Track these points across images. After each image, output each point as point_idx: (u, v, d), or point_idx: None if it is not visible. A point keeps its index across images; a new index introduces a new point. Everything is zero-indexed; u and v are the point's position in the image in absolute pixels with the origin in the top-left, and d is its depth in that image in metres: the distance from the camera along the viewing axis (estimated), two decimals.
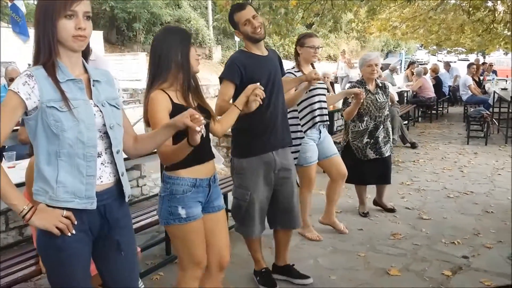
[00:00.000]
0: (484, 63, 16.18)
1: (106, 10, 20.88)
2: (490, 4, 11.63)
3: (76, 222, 1.61)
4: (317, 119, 3.64)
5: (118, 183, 1.73)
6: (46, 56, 1.58)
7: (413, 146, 7.74)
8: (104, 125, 1.65)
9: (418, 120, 11.00)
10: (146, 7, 20.95)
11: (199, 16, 23.99)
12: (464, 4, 11.24)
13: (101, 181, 1.67)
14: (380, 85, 4.27)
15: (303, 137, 3.60)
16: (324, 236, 3.97)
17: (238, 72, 2.73)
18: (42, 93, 1.54)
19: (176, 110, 2.01)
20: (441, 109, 11.94)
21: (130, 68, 18.29)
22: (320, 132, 3.72)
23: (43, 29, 1.57)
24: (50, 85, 1.55)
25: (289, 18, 8.70)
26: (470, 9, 11.07)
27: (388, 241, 3.86)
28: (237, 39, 20.99)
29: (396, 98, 8.27)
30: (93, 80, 1.68)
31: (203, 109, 2.19)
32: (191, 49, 2.14)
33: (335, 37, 29.74)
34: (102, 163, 1.67)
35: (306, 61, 3.65)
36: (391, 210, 4.55)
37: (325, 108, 3.73)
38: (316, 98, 3.63)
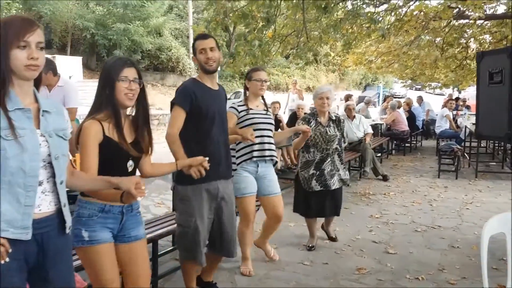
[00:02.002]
0: (458, 98, 16.59)
1: (87, 37, 20.90)
2: (463, 41, 12.04)
3: (10, 250, 1.57)
4: (255, 154, 3.57)
5: (59, 213, 1.74)
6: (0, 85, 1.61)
7: (385, 178, 7.77)
8: (49, 155, 1.68)
9: (392, 152, 11.11)
10: (127, 34, 21.02)
11: (180, 45, 24.17)
12: (438, 40, 11.59)
13: (40, 210, 1.68)
14: (334, 118, 4.28)
15: (236, 169, 3.54)
16: (288, 269, 3.91)
17: (189, 99, 2.80)
18: None
19: (106, 143, 2.11)
20: (414, 142, 12.12)
21: None
22: (258, 166, 3.63)
23: None
24: None
25: (265, 49, 8.81)
26: (444, 45, 11.43)
27: (353, 276, 3.80)
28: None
29: (371, 130, 8.35)
30: (43, 110, 1.71)
31: (138, 144, 2.23)
32: (119, 84, 2.14)
33: (315, 69, 30.27)
34: (42, 192, 1.69)
35: (254, 95, 3.68)
36: (333, 239, 4.56)
37: (270, 143, 3.66)
38: (257, 133, 3.48)
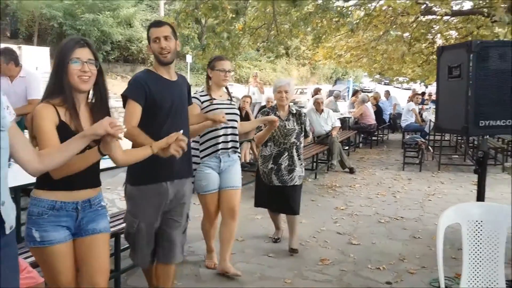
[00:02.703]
0: (424, 93, 16.95)
1: (54, 26, 20.38)
2: (430, 36, 12.31)
3: None
4: (219, 146, 3.46)
5: None
6: None
7: (352, 171, 7.91)
8: None
9: (359, 146, 11.32)
10: (96, 25, 20.61)
11: None
12: (405, 36, 11.80)
13: None
14: (294, 112, 4.18)
15: (199, 163, 3.44)
16: (253, 261, 3.96)
17: (143, 92, 2.61)
18: None
19: (63, 128, 1.96)
20: (381, 135, 12.36)
21: None
22: (220, 160, 3.49)
23: None
24: None
25: (235, 42, 8.79)
26: (411, 40, 11.65)
27: (316, 267, 3.87)
28: (188, 60, 21.11)
29: (338, 124, 8.46)
30: None
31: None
32: (71, 66, 1.98)
33: (286, 63, 30.37)
34: None
35: (217, 85, 3.54)
36: (293, 251, 4.14)
37: (234, 134, 3.55)
38: (222, 124, 3.34)
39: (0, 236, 1.60)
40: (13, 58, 4.83)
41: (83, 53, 2.01)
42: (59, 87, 2.00)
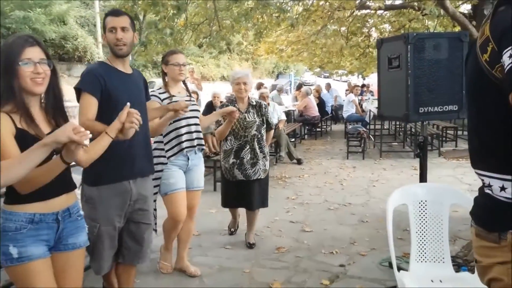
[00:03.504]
0: (363, 85, 17.58)
1: None
2: (365, 30, 12.78)
3: None
4: (184, 144, 3.35)
5: None
6: None
7: (299, 162, 8.13)
8: None
9: (305, 137, 11.63)
10: (27, 22, 19.59)
11: (87, 33, 23.01)
12: (342, 30, 12.19)
13: None
14: (254, 103, 4.11)
15: (166, 163, 3.33)
16: (211, 254, 4.02)
17: (98, 85, 2.48)
18: None
19: (21, 136, 1.81)
20: (325, 127, 12.75)
21: None
22: (188, 159, 3.42)
23: None
24: None
25: (177, 38, 8.73)
26: (348, 34, 12.06)
27: (273, 255, 3.98)
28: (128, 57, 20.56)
29: (284, 117, 8.63)
30: None
31: None
32: (22, 68, 1.82)
33: (228, 58, 30.39)
34: None
35: (173, 80, 3.42)
36: (250, 246, 4.17)
37: (198, 131, 3.46)
38: (184, 122, 3.34)
39: None
40: None
41: (34, 53, 1.85)
42: (9, 92, 1.82)
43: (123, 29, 2.54)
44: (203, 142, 3.55)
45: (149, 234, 2.82)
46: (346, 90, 14.14)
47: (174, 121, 3.26)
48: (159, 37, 8.39)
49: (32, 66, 1.83)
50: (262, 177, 4.14)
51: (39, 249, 1.89)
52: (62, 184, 1.99)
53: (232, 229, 4.53)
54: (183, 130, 3.36)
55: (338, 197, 5.89)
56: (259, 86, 11.24)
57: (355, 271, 3.65)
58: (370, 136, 9.92)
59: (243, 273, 3.62)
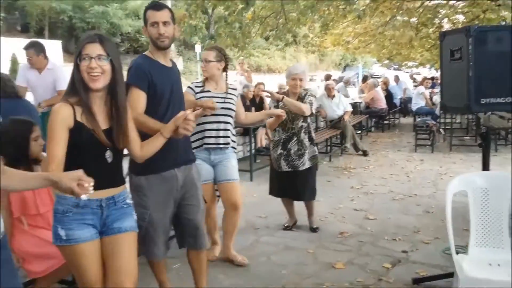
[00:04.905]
0: (432, 78, 17.01)
1: (65, 20, 20.67)
2: (437, 21, 12.39)
3: None
4: (206, 140, 3.37)
5: None
6: None
7: (365, 154, 8.15)
8: None
9: (371, 129, 11.53)
10: (105, 17, 20.89)
11: None
12: (412, 21, 11.90)
13: None
14: (303, 95, 4.10)
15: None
16: (277, 235, 4.25)
17: (146, 79, 2.52)
18: None
19: (77, 129, 1.93)
20: (392, 119, 12.55)
21: None
22: (210, 153, 3.42)
23: None
24: None
25: (245, 31, 9.00)
26: (418, 25, 11.76)
27: (336, 239, 4.13)
28: (198, 50, 21.26)
29: (350, 108, 8.62)
30: None
31: (110, 133, 2.03)
32: (81, 63, 1.93)
33: (294, 50, 30.44)
34: None
35: (210, 76, 3.43)
36: (314, 230, 4.33)
37: (226, 130, 3.42)
38: (212, 118, 3.30)
39: None
40: (42, 50, 5.09)
41: (93, 49, 1.93)
42: (74, 85, 1.97)
43: (164, 23, 2.54)
44: (229, 141, 3.49)
45: (199, 217, 2.84)
46: (412, 79, 13.58)
47: (204, 115, 3.22)
48: (228, 30, 8.72)
49: (88, 61, 1.93)
50: (308, 167, 4.18)
51: (85, 232, 2.01)
52: (110, 181, 2.10)
53: (285, 225, 4.45)
54: (208, 126, 3.37)
55: (403, 188, 5.89)
56: (327, 77, 11.28)
57: (417, 257, 3.71)
58: (440, 129, 9.68)
59: (307, 252, 3.81)
